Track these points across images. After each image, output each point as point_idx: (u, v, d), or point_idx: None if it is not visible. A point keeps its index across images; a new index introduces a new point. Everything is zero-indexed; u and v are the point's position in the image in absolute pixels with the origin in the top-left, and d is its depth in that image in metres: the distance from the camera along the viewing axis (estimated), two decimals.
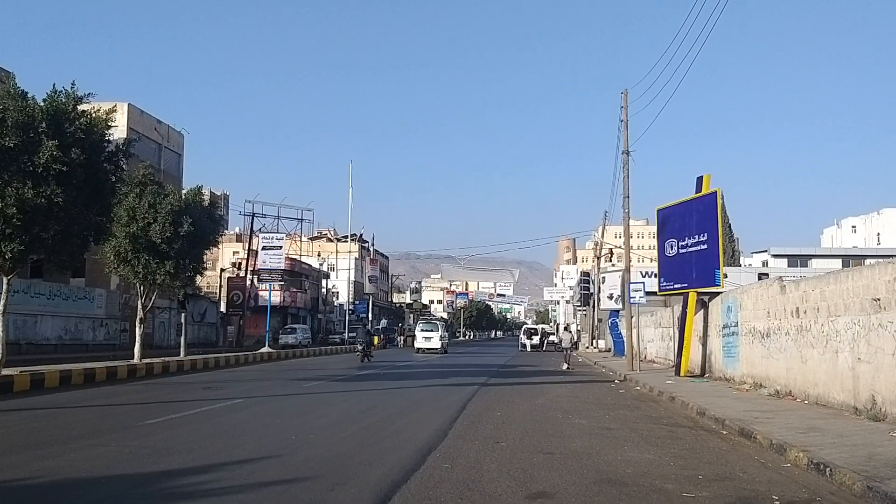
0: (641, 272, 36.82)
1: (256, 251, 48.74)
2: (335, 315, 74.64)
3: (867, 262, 31.21)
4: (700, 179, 21.22)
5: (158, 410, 12.47)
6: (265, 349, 35.50)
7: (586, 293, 58.02)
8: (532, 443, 9.25)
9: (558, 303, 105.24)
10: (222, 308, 54.01)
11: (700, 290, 21.21)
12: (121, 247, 21.58)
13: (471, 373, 24.52)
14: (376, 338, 56.65)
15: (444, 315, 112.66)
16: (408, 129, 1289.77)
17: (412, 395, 16.10)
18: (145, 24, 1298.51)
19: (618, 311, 41.55)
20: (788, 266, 52.26)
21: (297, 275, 62.87)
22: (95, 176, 16.72)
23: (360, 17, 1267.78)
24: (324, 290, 71.68)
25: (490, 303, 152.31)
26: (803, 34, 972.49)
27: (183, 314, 30.40)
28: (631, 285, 24.75)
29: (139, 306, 23.74)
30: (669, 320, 26.28)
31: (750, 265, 57.45)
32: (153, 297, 24.38)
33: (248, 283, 51.61)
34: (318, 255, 74.53)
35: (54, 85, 16.04)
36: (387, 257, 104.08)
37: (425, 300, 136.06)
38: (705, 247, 20.41)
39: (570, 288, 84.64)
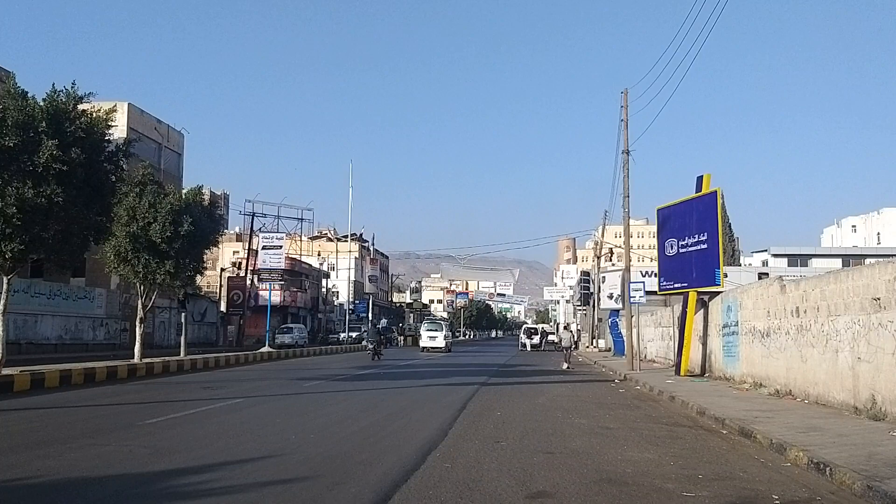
0: (641, 272, 36.84)
1: (256, 251, 48.77)
2: (335, 314, 74.66)
3: (867, 261, 31.23)
4: (700, 179, 21.23)
5: (158, 410, 12.47)
6: (265, 349, 35.52)
7: (586, 293, 58.01)
8: (532, 442, 9.26)
9: (558, 302, 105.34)
10: (222, 308, 54.01)
11: (700, 289, 21.22)
12: (121, 246, 21.59)
13: (471, 372, 24.52)
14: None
15: (444, 315, 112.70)
16: (408, 129, 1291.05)
17: (412, 394, 16.10)
18: (145, 24, 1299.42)
19: (618, 310, 41.54)
20: (788, 265, 52.32)
21: (298, 274, 62.89)
22: (95, 175, 16.73)
23: (360, 16, 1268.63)
24: (324, 289, 71.70)
25: (490, 302, 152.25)
26: (804, 33, 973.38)
27: (183, 314, 30.43)
28: (631, 285, 24.76)
29: (139, 306, 23.75)
30: (669, 320, 26.29)
31: (750, 265, 57.51)
32: (153, 297, 24.38)
33: (248, 282, 51.61)
34: (318, 255, 74.56)
35: (53, 84, 16.08)
36: (387, 257, 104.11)
37: (425, 300, 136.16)
38: (705, 246, 20.42)
39: (570, 287, 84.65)
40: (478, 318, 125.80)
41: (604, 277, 48.53)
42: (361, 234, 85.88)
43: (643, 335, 30.53)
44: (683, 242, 21.58)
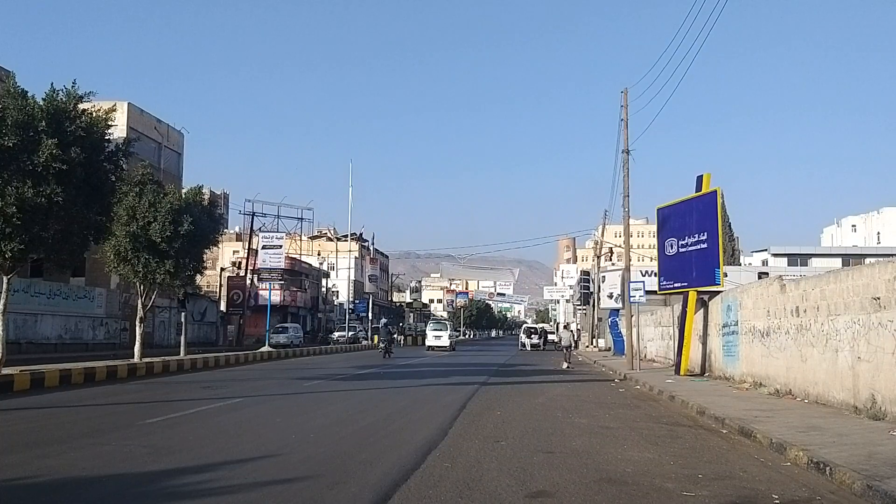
0: (641, 271, 36.82)
1: (256, 250, 48.72)
2: (335, 314, 74.65)
3: (867, 261, 31.20)
4: (700, 178, 21.22)
5: (158, 409, 12.47)
6: (265, 348, 35.52)
7: (586, 292, 58.04)
8: (532, 442, 9.26)
9: (558, 302, 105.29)
10: (222, 307, 54.01)
11: (700, 289, 21.22)
12: (121, 246, 21.59)
13: (471, 372, 24.52)
14: (376, 336, 56.98)
15: (444, 314, 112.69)
16: (408, 129, 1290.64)
17: (412, 394, 16.10)
18: (144, 23, 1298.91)
19: (618, 310, 41.54)
20: (788, 265, 52.30)
21: (297, 274, 62.87)
22: (95, 175, 16.72)
23: (361, 15, 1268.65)
24: (324, 289, 71.71)
25: (490, 302, 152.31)
26: (804, 33, 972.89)
27: (183, 313, 30.43)
28: (631, 284, 24.75)
29: (139, 305, 23.75)
30: (669, 319, 26.29)
31: (750, 264, 57.50)
32: (153, 297, 24.39)
33: (248, 282, 51.61)
34: (318, 255, 74.56)
35: (52, 84, 16.07)
36: (387, 256, 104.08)
37: (425, 299, 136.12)
38: (705, 246, 20.41)
39: (570, 287, 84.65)
40: (478, 317, 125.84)
41: (604, 277, 48.54)
42: (361, 234, 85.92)
43: (643, 335, 30.53)
44: (683, 242, 21.58)
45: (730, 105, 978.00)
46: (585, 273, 63.73)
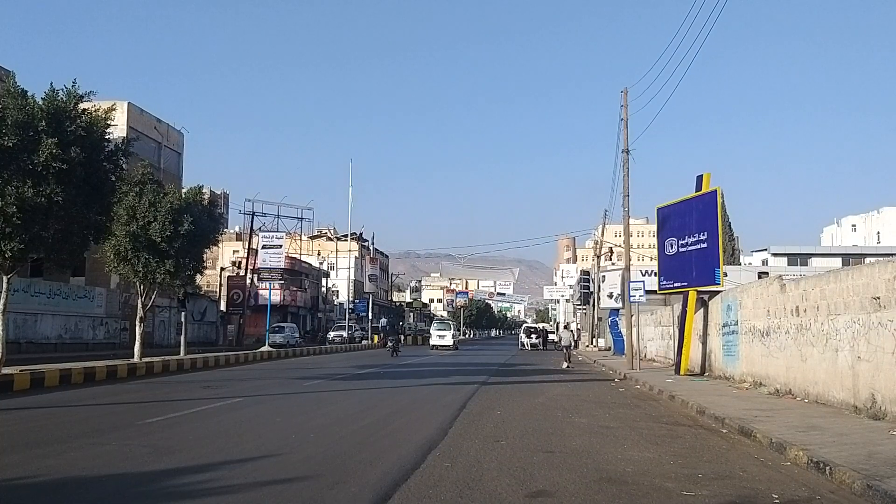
0: (641, 271, 36.82)
1: (256, 250, 48.67)
2: (335, 314, 74.62)
3: (867, 260, 31.20)
4: (700, 178, 21.22)
5: (158, 409, 12.47)
6: (265, 348, 35.51)
7: (586, 292, 58.02)
8: (532, 441, 9.26)
9: (558, 301, 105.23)
10: (222, 307, 53.98)
11: (700, 288, 21.21)
12: (121, 245, 21.59)
13: (471, 371, 24.52)
14: (376, 336, 57.00)
15: (444, 314, 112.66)
16: (408, 129, 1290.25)
17: (412, 393, 16.11)
18: (144, 23, 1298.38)
19: (618, 309, 41.53)
20: (788, 265, 52.25)
21: (297, 273, 62.83)
22: (95, 174, 16.72)
23: (361, 14, 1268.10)
24: (324, 288, 71.67)
25: (490, 301, 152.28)
26: (804, 32, 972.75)
27: (183, 313, 30.43)
28: (631, 284, 24.75)
29: (139, 305, 23.75)
30: (669, 319, 26.28)
31: (750, 264, 57.43)
32: (153, 296, 24.39)
33: (248, 281, 51.58)
34: (318, 254, 74.51)
35: (52, 84, 16.08)
36: (387, 256, 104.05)
37: (425, 299, 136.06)
38: (705, 245, 20.41)
39: (570, 287, 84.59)
40: (478, 317, 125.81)
41: (604, 277, 48.53)
42: (361, 234, 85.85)
43: (643, 334, 30.52)
44: (683, 241, 21.57)
45: (730, 105, 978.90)
46: (585, 273, 63.71)
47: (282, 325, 51.15)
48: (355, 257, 78.13)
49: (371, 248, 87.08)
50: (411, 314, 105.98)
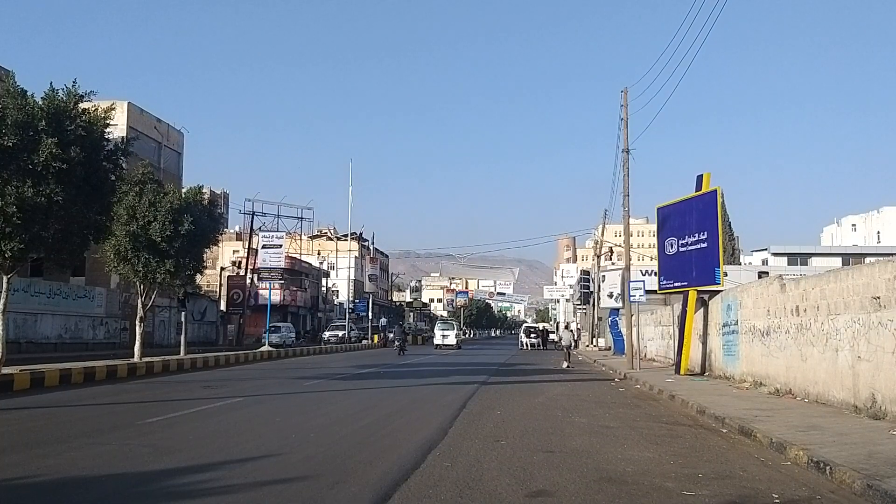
0: (641, 270, 36.84)
1: (256, 250, 48.69)
2: (335, 313, 74.63)
3: (867, 260, 31.20)
4: (700, 178, 21.22)
5: (158, 409, 12.47)
6: (265, 348, 35.51)
7: (586, 292, 58.01)
8: (532, 441, 9.26)
9: (558, 301, 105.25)
10: (222, 307, 53.98)
11: (700, 288, 21.21)
12: (121, 245, 21.59)
13: (471, 371, 24.53)
14: (376, 336, 57.01)
15: (444, 314, 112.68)
16: (408, 128, 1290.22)
17: (412, 393, 16.10)
18: (144, 22, 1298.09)
19: (618, 309, 41.53)
20: (788, 264, 52.26)
21: (297, 273, 62.83)
22: (95, 174, 16.71)
23: (361, 13, 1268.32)
24: (324, 288, 71.68)
25: (490, 301, 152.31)
26: (804, 32, 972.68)
27: (183, 313, 30.44)
28: (631, 284, 24.75)
29: (139, 305, 23.75)
30: (669, 319, 26.28)
31: (750, 263, 57.42)
32: (153, 296, 24.39)
33: (248, 281, 51.59)
34: (318, 254, 74.53)
35: (52, 83, 16.07)
36: (387, 256, 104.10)
37: (425, 298, 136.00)
38: (705, 245, 20.41)
39: (570, 286, 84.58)
40: (478, 316, 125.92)
41: (604, 276, 48.53)
42: (361, 233, 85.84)
43: (643, 334, 30.53)
44: (683, 241, 21.57)
45: (730, 104, 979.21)
46: (585, 272, 63.70)
47: (278, 324, 50.79)
48: (355, 257, 78.14)
49: (371, 247, 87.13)
50: (411, 314, 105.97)
